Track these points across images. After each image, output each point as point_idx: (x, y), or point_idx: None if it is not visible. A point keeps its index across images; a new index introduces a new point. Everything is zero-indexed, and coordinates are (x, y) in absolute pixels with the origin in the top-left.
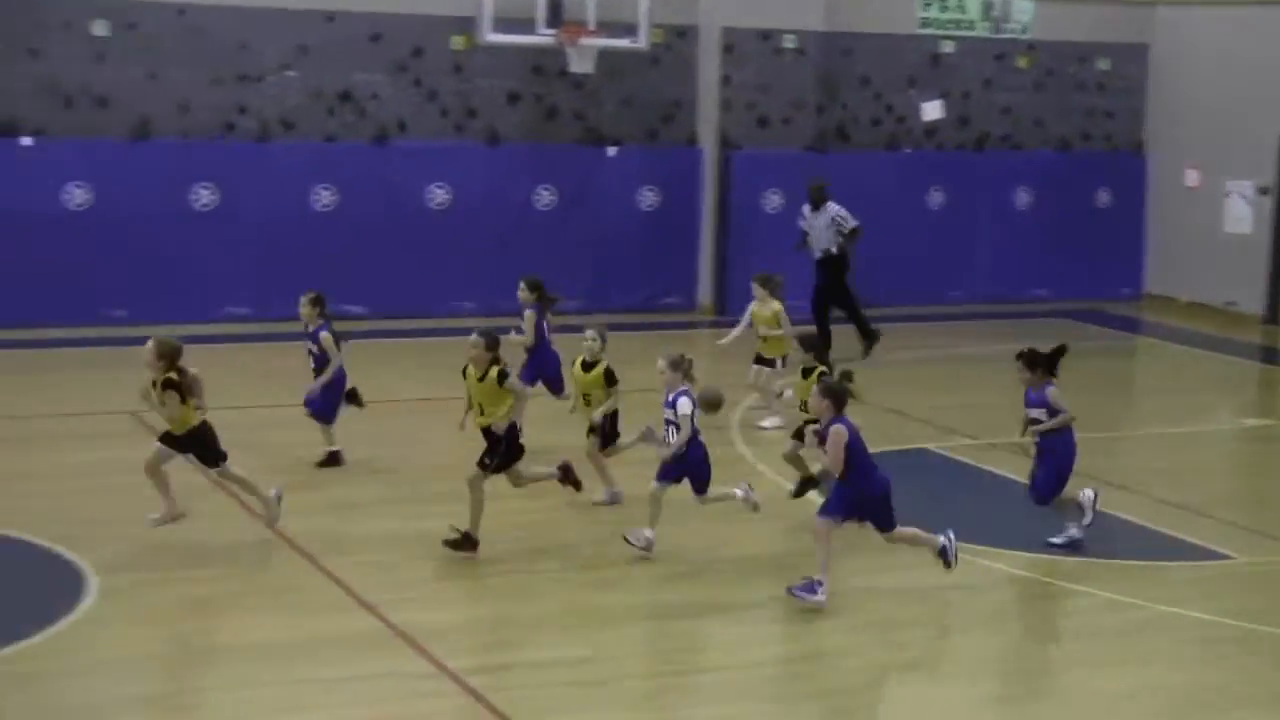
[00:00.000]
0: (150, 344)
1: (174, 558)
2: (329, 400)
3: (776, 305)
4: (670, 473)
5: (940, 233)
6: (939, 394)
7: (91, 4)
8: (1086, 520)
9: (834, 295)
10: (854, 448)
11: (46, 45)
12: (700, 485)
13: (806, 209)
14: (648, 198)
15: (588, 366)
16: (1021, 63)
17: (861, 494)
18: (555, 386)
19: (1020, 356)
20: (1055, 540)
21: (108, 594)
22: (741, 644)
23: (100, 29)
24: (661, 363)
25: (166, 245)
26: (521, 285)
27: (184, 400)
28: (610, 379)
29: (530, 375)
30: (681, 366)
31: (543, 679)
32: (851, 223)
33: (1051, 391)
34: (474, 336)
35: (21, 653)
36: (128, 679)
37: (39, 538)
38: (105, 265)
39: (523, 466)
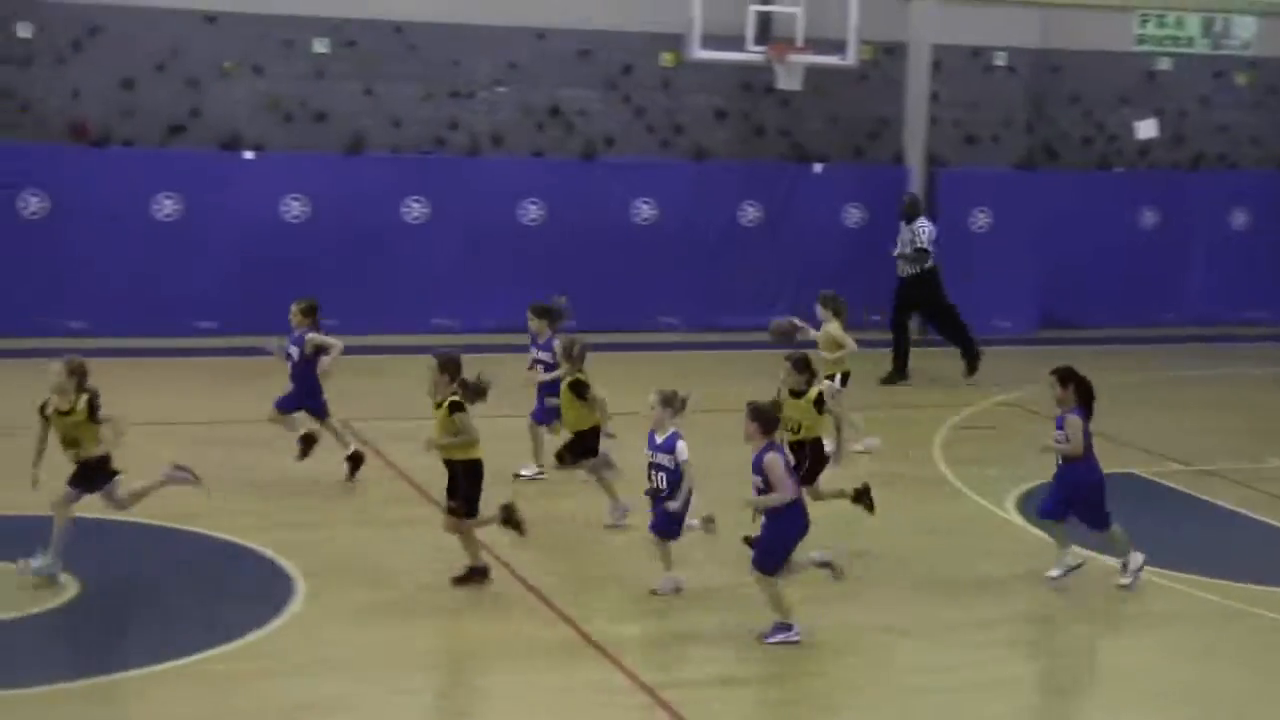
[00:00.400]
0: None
1: (377, 563)
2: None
3: (832, 326)
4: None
5: (1152, 254)
6: (1151, 417)
7: (313, 22)
8: (1124, 581)
9: (932, 315)
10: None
11: (270, 63)
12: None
13: (901, 225)
14: (853, 215)
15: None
16: (1241, 79)
17: (796, 525)
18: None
19: (1054, 372)
20: (1053, 574)
21: (313, 597)
22: (946, 667)
23: (320, 46)
24: (653, 397)
25: (377, 256)
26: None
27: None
28: (579, 392)
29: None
30: (674, 403)
31: (732, 695)
32: (920, 242)
33: (1070, 420)
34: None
35: (227, 654)
36: (329, 680)
37: (255, 543)
38: (318, 275)
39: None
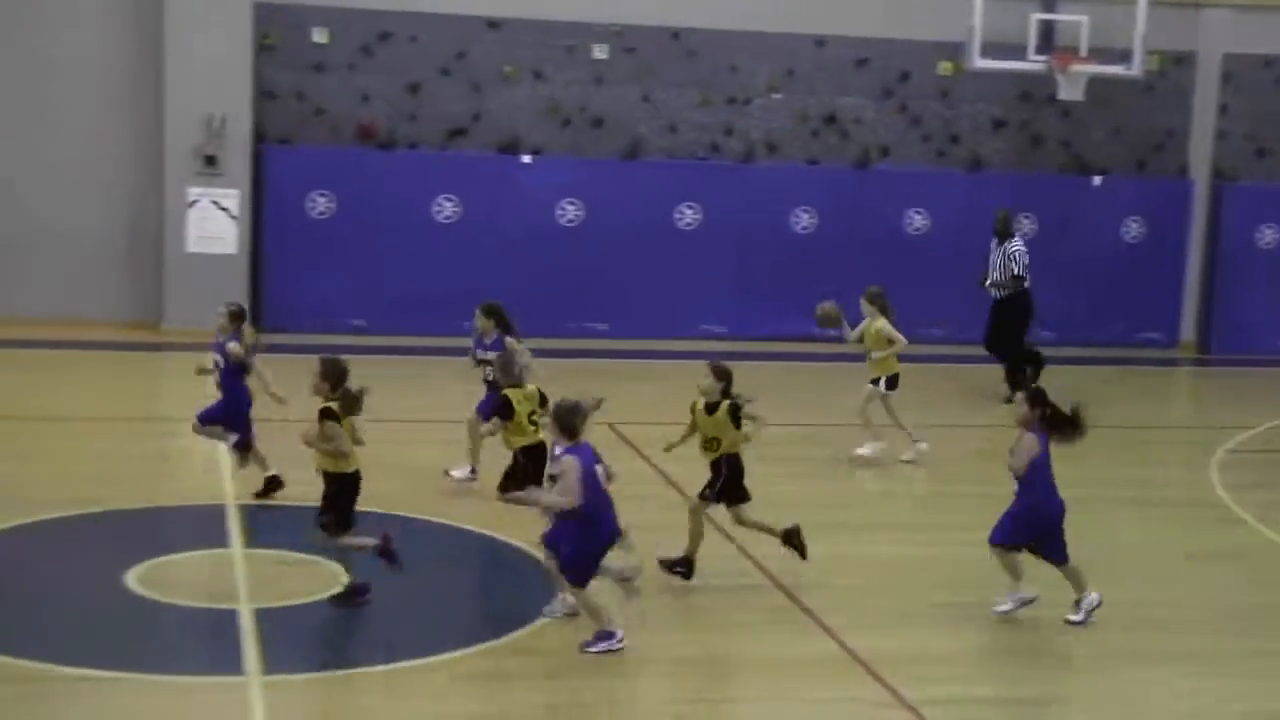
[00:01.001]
0: None
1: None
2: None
3: (880, 323)
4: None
5: None
6: None
7: (593, 29)
8: (1076, 617)
9: (1005, 333)
10: (590, 483)
11: (550, 68)
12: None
13: (993, 242)
14: (1132, 229)
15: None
16: None
17: (598, 533)
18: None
19: (1025, 391)
20: (1001, 608)
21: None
22: (1233, 695)
23: (600, 52)
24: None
25: (649, 262)
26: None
27: None
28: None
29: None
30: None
31: (992, 716)
32: (1017, 270)
33: (1027, 439)
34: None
35: (495, 649)
36: (593, 680)
37: (521, 541)
38: (590, 279)
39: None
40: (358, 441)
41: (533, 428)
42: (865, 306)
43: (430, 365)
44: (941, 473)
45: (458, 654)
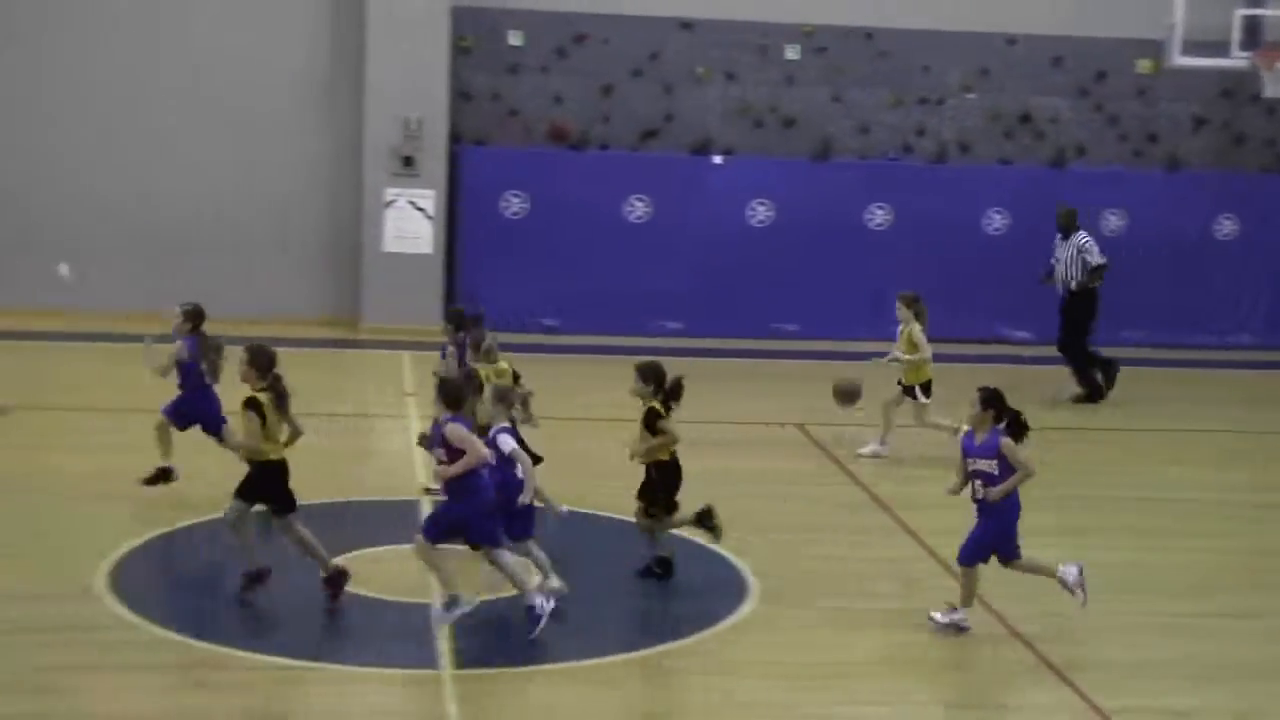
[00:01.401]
0: None
1: (835, 574)
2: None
3: (914, 327)
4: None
5: None
6: None
7: (785, 29)
8: (1080, 600)
9: (1070, 334)
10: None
11: (741, 69)
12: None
13: (1058, 238)
14: None
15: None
16: None
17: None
18: None
19: (980, 390)
20: (937, 616)
21: (764, 600)
22: None
23: (791, 53)
24: (487, 391)
25: (839, 262)
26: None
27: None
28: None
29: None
30: (506, 400)
31: None
32: (1096, 259)
33: (1004, 441)
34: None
35: (678, 650)
36: (774, 686)
37: (709, 542)
38: (781, 280)
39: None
40: (296, 431)
41: None
42: (901, 310)
43: (621, 365)
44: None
45: (646, 652)
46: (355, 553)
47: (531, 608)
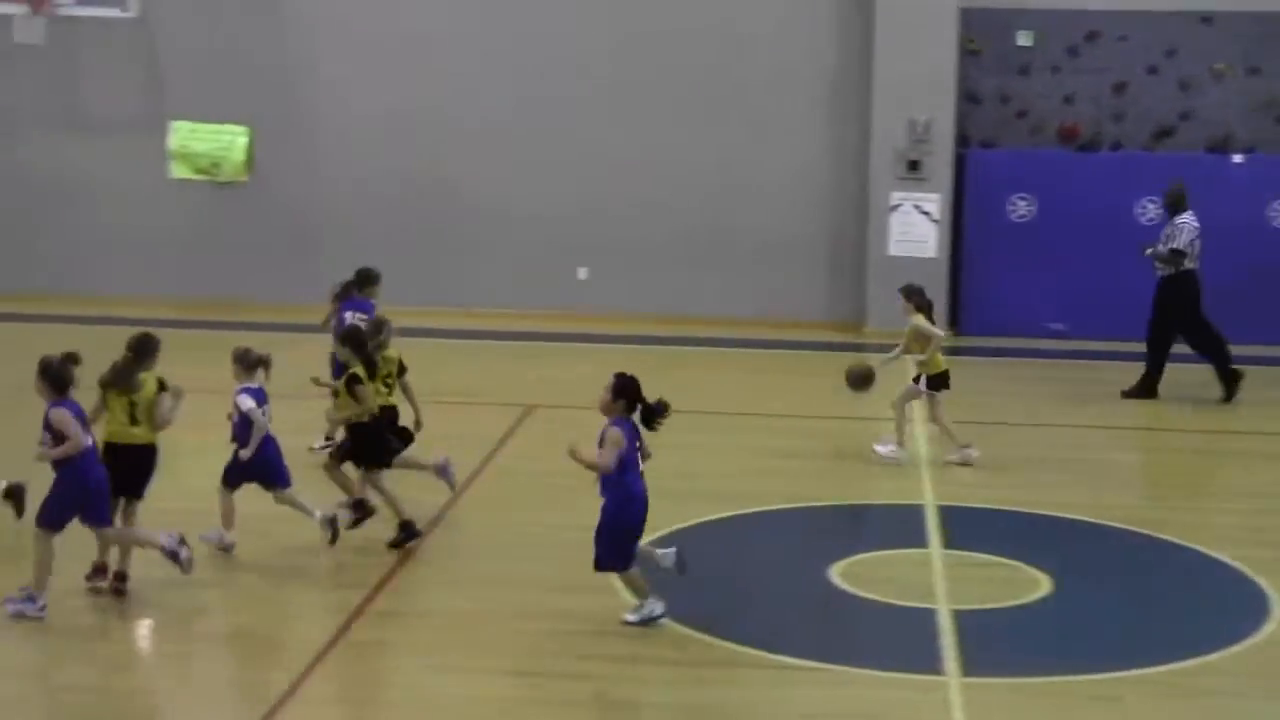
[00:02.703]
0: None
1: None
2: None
3: (917, 320)
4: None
5: None
6: None
7: None
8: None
9: (1177, 320)
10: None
11: (1267, 63)
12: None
13: (1164, 216)
14: None
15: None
16: None
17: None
18: None
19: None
20: (629, 618)
21: None
22: None
23: None
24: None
25: None
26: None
27: None
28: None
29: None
30: (247, 361)
31: None
32: (1177, 243)
33: (612, 432)
34: None
35: (1196, 668)
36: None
37: (1225, 555)
38: None
39: None
40: (162, 421)
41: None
42: (903, 304)
43: (1131, 371)
44: None
45: (1164, 668)
46: (859, 556)
47: None
